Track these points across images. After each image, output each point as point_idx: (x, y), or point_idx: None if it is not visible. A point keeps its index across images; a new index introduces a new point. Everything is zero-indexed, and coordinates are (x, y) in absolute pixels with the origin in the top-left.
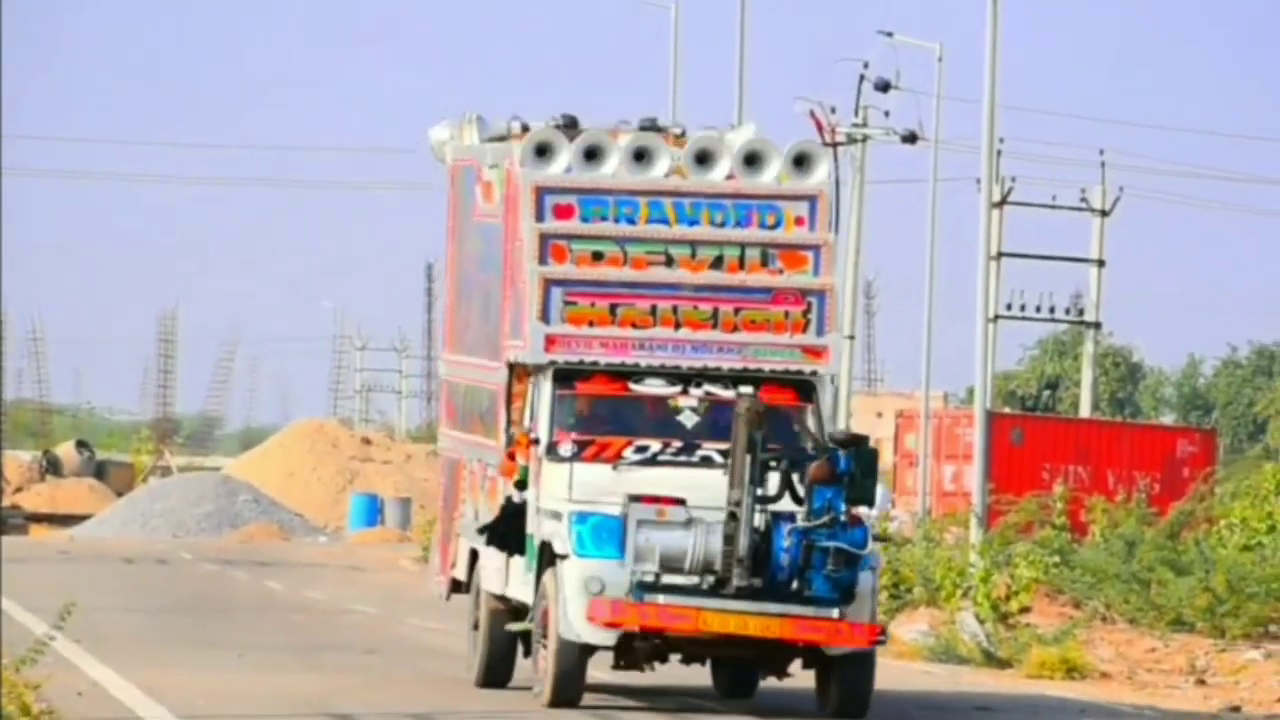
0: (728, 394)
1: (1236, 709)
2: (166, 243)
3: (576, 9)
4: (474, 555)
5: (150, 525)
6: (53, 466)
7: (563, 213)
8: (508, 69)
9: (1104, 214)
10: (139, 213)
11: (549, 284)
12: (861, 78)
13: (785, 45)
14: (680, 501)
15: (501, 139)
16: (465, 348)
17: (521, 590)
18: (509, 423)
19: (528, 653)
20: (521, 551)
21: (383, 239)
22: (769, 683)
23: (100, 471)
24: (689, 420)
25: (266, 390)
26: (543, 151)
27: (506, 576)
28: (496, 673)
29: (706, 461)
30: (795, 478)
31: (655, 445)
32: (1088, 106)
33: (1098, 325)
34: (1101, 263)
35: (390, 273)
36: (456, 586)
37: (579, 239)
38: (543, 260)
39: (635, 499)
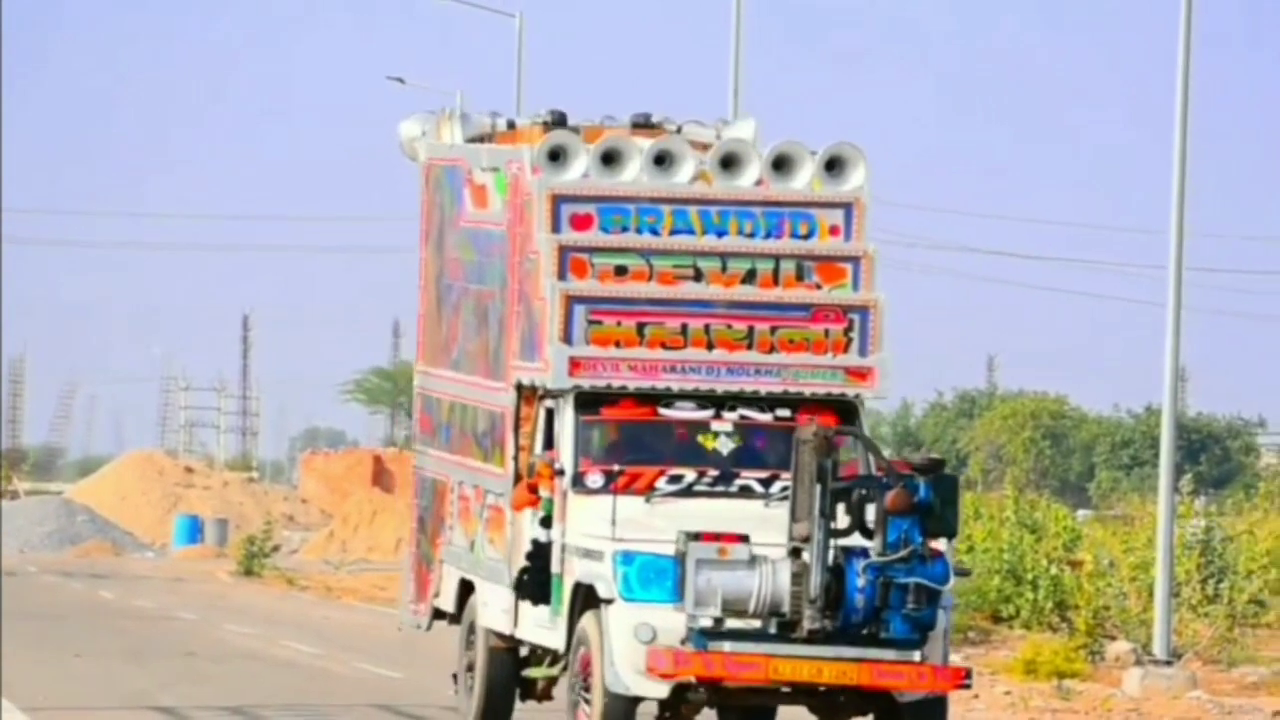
0: (764, 418)
1: None
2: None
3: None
4: (465, 587)
5: (3, 542)
6: None
7: (581, 223)
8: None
9: None
10: None
11: (571, 301)
12: None
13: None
14: (744, 538)
15: (485, 138)
16: (450, 362)
17: (538, 633)
18: (518, 449)
19: (526, 696)
20: (549, 601)
21: (206, 292)
22: None
23: None
24: (724, 447)
25: (103, 424)
26: (556, 156)
27: (516, 616)
28: (495, 716)
29: (745, 491)
30: (866, 509)
31: (689, 474)
32: None
33: None
34: None
35: (210, 322)
36: (439, 616)
37: (601, 252)
38: (562, 275)
39: (693, 536)
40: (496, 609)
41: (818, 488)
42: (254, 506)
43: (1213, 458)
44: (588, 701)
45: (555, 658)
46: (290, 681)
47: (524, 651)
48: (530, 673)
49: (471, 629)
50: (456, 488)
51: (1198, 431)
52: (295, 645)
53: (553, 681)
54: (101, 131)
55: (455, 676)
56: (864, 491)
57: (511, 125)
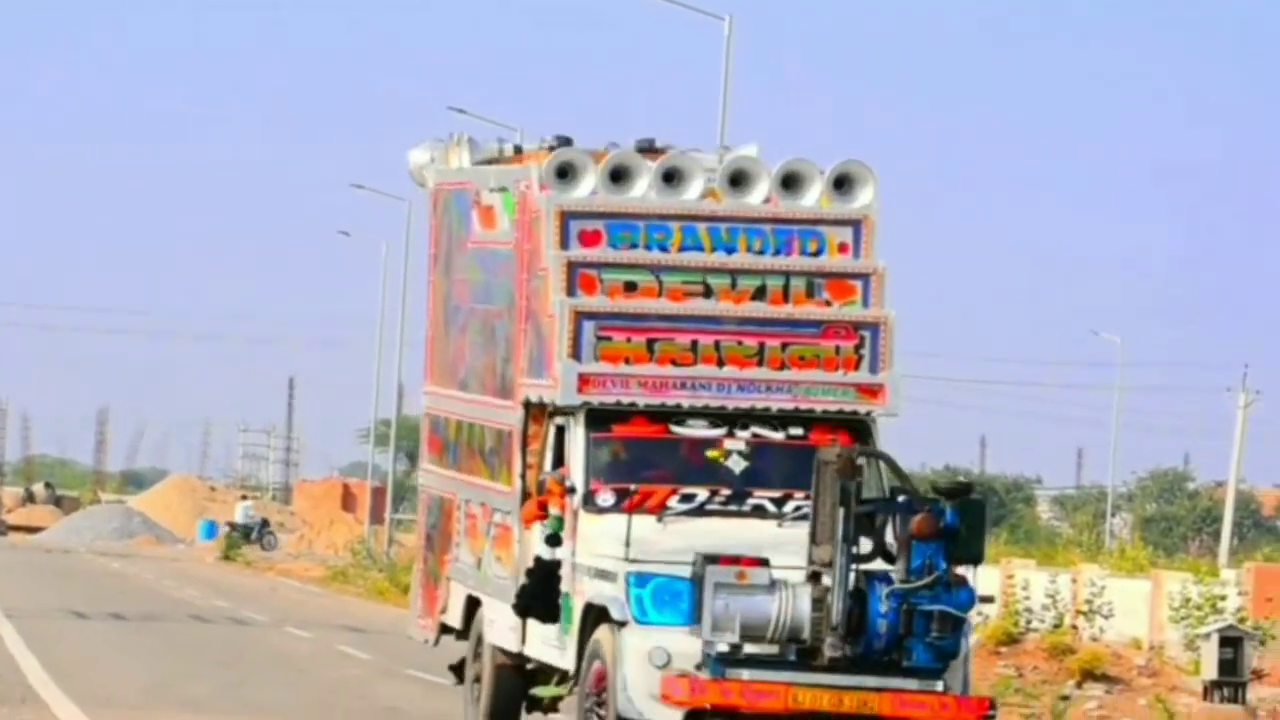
0: (777, 436)
1: None
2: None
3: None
4: (471, 603)
5: (81, 533)
6: (29, 497)
7: (589, 239)
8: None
9: None
10: None
11: (580, 317)
12: None
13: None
14: (763, 562)
15: (493, 161)
16: (458, 382)
17: (545, 651)
18: (525, 467)
19: (533, 709)
20: (556, 619)
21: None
22: None
23: (58, 501)
24: (736, 465)
25: (162, 457)
26: (564, 173)
27: (524, 634)
28: None
29: (759, 511)
30: (889, 533)
31: (701, 493)
32: None
33: None
34: None
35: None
36: (446, 631)
37: (610, 268)
38: (570, 291)
39: (710, 559)
40: (503, 626)
41: (840, 511)
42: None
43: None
44: (601, 711)
45: (564, 677)
46: (176, 613)
47: (530, 666)
48: (538, 692)
49: (479, 641)
50: (463, 505)
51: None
52: (214, 601)
53: (559, 697)
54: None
55: (454, 669)
56: (887, 515)
57: (518, 150)
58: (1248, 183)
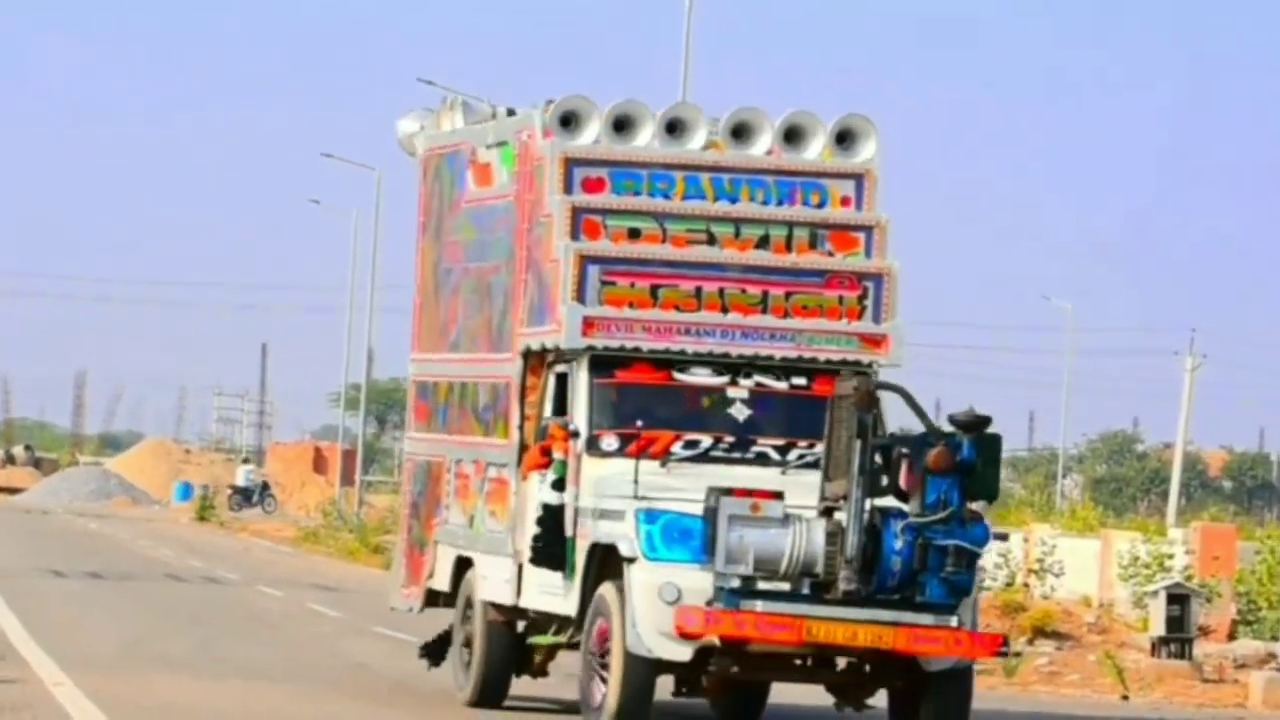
0: (780, 385)
1: None
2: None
3: None
4: (460, 565)
5: (59, 494)
6: (10, 459)
7: (593, 187)
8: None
9: None
10: None
11: (585, 261)
12: None
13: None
14: (778, 495)
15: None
16: (449, 344)
17: (545, 601)
18: (523, 419)
19: (521, 671)
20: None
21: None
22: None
23: (38, 463)
24: (740, 413)
25: (138, 420)
26: (568, 121)
27: (519, 585)
28: (492, 691)
29: (762, 459)
30: (903, 467)
31: (705, 440)
32: None
33: None
34: None
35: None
36: (433, 599)
37: (614, 214)
38: (574, 236)
39: (724, 491)
40: (498, 580)
41: (858, 443)
42: (229, 478)
43: None
44: (604, 671)
45: (561, 625)
46: (152, 572)
47: (526, 621)
48: (536, 640)
49: (468, 604)
50: (454, 467)
51: None
52: (189, 561)
53: (551, 655)
54: None
55: (426, 652)
56: (905, 448)
57: (511, 113)
58: (1196, 151)
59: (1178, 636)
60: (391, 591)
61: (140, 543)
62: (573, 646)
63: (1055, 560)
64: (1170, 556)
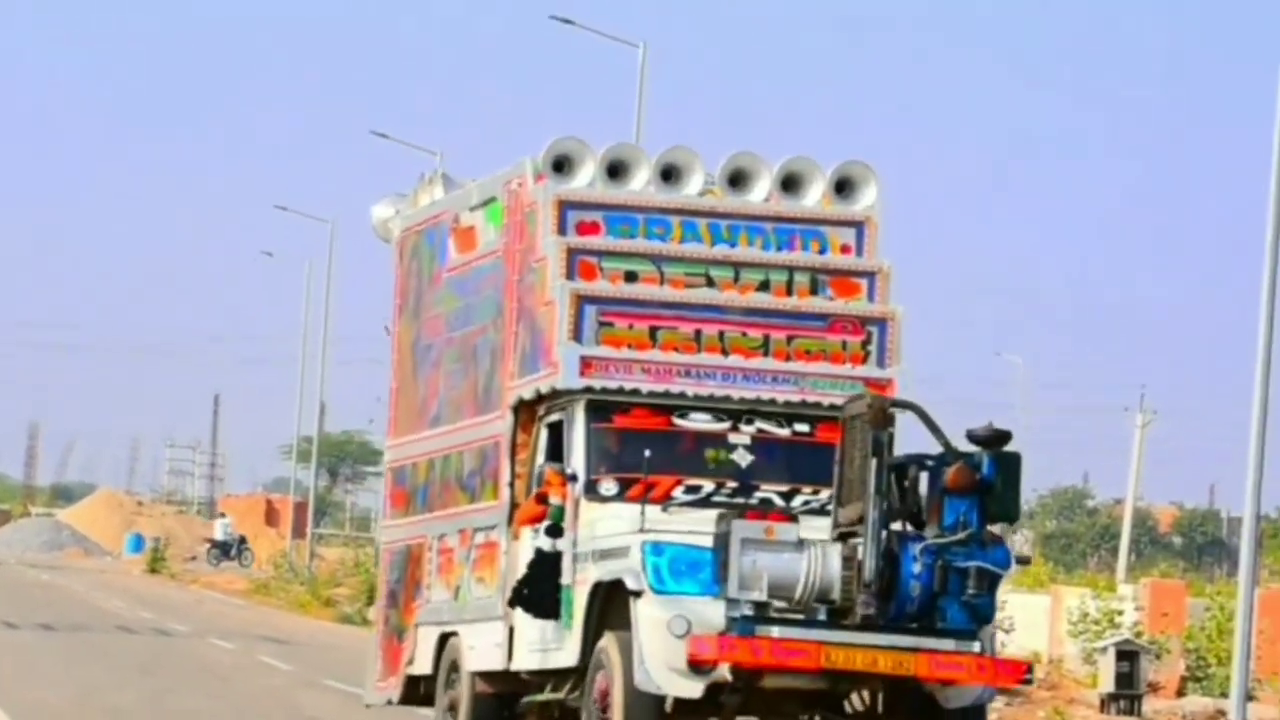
0: (782, 432)
1: None
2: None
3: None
4: (443, 642)
5: (12, 545)
6: None
7: (587, 230)
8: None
9: None
10: None
11: (581, 301)
12: None
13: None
14: (792, 517)
15: None
16: (429, 421)
17: (538, 657)
18: (513, 477)
19: None
20: (557, 614)
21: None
22: None
23: None
24: (743, 459)
25: (91, 472)
26: (561, 166)
27: (509, 648)
28: None
29: (765, 505)
30: (921, 488)
31: (707, 485)
32: None
33: None
34: None
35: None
36: (414, 688)
37: (611, 256)
38: (570, 277)
39: (737, 514)
40: (487, 646)
41: (873, 462)
42: (183, 530)
43: None
44: None
45: (559, 681)
46: (104, 623)
47: (518, 685)
48: (531, 699)
49: (453, 668)
50: (435, 544)
51: None
52: (140, 613)
53: (552, 704)
54: None
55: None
56: (921, 468)
57: None
58: (1148, 206)
59: (1127, 693)
60: (367, 685)
61: (92, 594)
62: (569, 711)
63: (1005, 615)
64: (1120, 613)
